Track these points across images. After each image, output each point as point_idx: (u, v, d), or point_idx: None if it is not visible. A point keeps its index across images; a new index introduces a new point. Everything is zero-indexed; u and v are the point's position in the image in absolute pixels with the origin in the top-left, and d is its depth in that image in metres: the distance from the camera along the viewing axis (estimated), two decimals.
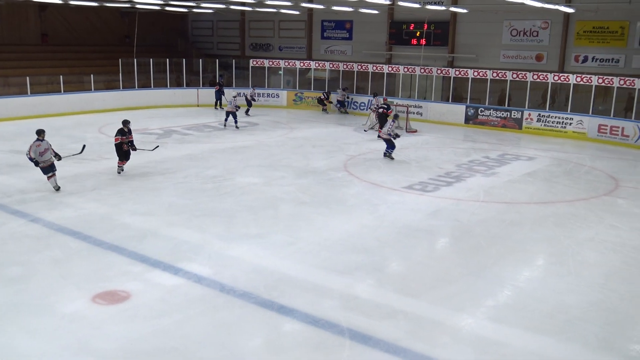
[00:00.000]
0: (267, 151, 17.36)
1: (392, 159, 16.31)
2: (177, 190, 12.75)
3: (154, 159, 15.56)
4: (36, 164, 11.92)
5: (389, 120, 17.13)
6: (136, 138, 18.68)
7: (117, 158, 13.97)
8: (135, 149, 14.02)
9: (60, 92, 23.66)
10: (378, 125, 21.58)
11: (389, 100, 24.10)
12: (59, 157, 12.27)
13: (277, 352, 6.50)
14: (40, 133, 12.07)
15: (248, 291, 7.83)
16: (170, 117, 23.73)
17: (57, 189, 12.17)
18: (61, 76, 23.66)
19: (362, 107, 25.89)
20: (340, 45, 30.22)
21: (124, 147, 13.77)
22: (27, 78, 22.58)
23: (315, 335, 6.83)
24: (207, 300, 7.60)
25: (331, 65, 27.42)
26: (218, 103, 26.10)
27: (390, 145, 16.42)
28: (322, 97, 26.44)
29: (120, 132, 13.75)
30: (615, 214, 11.89)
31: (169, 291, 7.84)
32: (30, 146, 11.90)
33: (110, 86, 26.04)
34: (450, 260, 9.39)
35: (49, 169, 12.12)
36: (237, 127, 20.88)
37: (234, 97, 21.20)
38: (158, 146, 15.09)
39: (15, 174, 13.87)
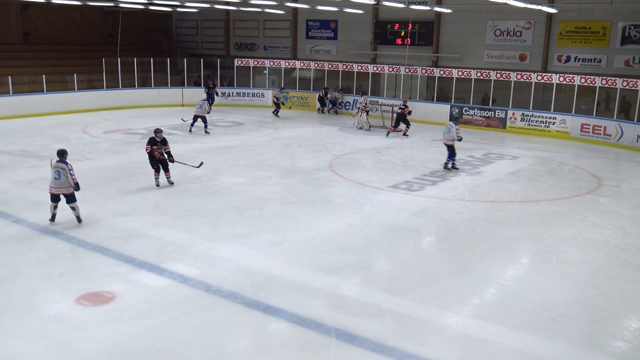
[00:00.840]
0: (252, 151, 17.32)
1: (457, 169, 15.23)
2: (162, 190, 12.67)
3: (138, 159, 15.46)
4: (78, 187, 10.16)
5: (451, 123, 15.34)
6: (120, 138, 18.72)
7: (153, 170, 12.93)
8: (172, 161, 12.95)
9: (43, 91, 23.41)
10: (368, 124, 21.67)
11: (373, 99, 24.20)
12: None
13: (264, 352, 6.49)
14: (63, 154, 10.22)
15: (234, 291, 7.81)
16: (155, 116, 23.51)
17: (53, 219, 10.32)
18: (44, 75, 23.40)
19: (347, 107, 25.92)
20: (325, 44, 30.23)
21: (156, 154, 12.68)
22: (9, 77, 22.31)
23: (302, 335, 6.83)
24: (193, 301, 7.57)
25: (316, 65, 27.43)
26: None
27: (453, 154, 15.21)
28: (322, 94, 26.05)
29: (151, 141, 12.69)
30: (598, 212, 12.03)
31: (154, 292, 7.79)
32: (69, 171, 10.00)
33: (94, 86, 25.81)
34: (436, 258, 9.43)
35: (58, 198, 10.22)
36: (206, 132, 19.98)
37: (204, 100, 20.41)
38: (202, 162, 14.24)
39: None
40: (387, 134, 20.52)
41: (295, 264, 8.90)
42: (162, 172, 12.98)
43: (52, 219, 10.28)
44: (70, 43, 30.41)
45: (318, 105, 26.28)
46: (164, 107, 26.22)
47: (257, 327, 7.04)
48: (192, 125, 20.28)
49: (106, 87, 25.69)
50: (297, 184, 13.57)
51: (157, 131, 12.91)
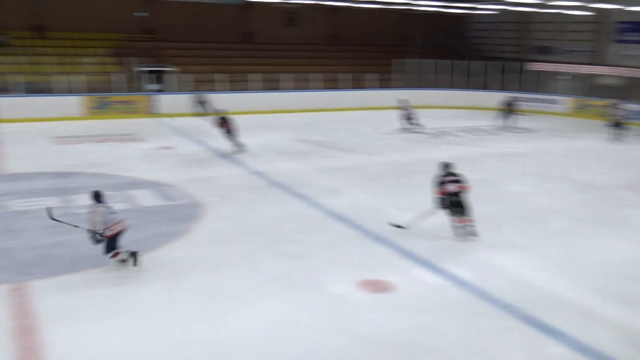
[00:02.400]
0: (541, 160, 16.28)
1: None
2: None
3: (420, 158, 15.78)
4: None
5: None
6: (407, 137, 19.28)
7: (451, 213, 9.67)
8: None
9: (343, 88, 25.65)
10: None
11: None
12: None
13: None
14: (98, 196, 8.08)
15: (511, 303, 7.39)
16: (444, 117, 23.97)
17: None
18: (350, 74, 25.64)
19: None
20: (637, 49, 26.89)
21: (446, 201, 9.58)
22: (320, 74, 24.95)
23: None
24: (466, 305, 7.38)
25: (625, 72, 24.55)
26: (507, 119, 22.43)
27: None
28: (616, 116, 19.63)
29: (447, 178, 9.65)
30: None
31: (429, 289, 7.81)
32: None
33: (385, 85, 27.25)
34: None
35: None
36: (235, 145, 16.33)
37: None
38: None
39: (300, 160, 15.37)
40: None
41: (584, 286, 8.03)
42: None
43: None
44: (368, 44, 32.46)
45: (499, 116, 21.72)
46: (458, 110, 26.46)
47: (532, 345, 6.54)
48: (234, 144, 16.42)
49: (400, 87, 26.90)
50: (591, 200, 12.29)
51: (448, 165, 9.83)
